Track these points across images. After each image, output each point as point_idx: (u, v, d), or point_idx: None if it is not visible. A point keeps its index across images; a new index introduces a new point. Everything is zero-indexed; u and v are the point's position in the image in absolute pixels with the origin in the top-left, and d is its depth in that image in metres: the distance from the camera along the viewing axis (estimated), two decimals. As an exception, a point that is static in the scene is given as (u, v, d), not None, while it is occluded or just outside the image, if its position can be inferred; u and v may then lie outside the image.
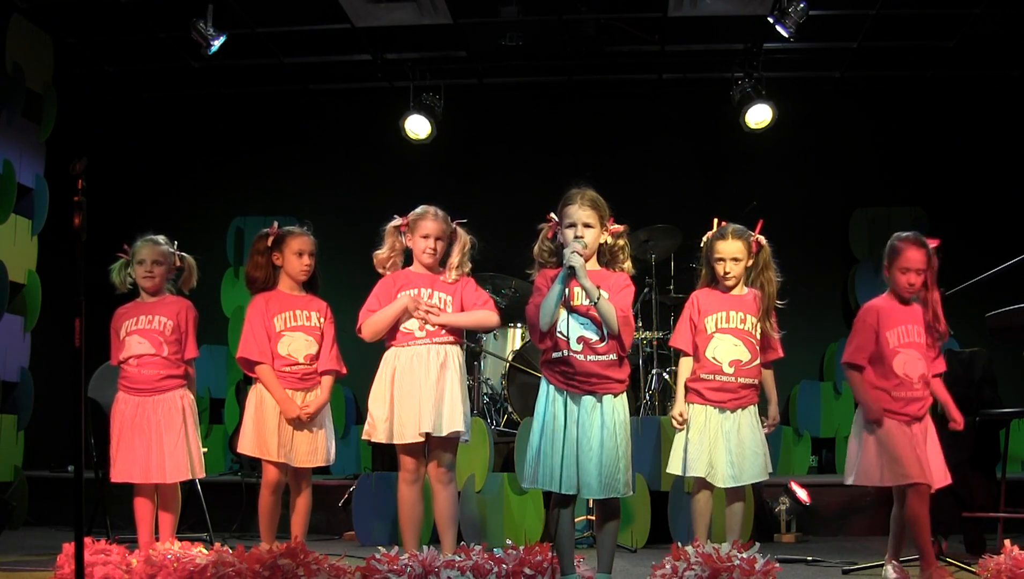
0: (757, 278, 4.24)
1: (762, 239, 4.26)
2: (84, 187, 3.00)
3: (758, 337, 4.20)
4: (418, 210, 4.25)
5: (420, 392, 4.05)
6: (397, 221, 4.26)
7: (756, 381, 4.20)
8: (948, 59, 7.55)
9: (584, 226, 3.58)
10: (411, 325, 4.15)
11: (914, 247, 4.00)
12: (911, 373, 3.97)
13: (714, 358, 4.18)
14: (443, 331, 4.15)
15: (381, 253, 4.25)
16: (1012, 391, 5.99)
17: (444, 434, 4.05)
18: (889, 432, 3.94)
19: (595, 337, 3.55)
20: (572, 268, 3.45)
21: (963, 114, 7.96)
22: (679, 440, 4.25)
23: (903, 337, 4.01)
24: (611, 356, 3.56)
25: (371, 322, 4.14)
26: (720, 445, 4.13)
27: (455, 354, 4.17)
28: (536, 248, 3.75)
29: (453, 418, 4.06)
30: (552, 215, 3.71)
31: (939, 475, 3.98)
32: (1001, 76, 7.80)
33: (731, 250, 4.21)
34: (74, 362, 2.91)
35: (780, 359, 4.28)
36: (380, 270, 4.26)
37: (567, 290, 3.51)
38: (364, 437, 4.22)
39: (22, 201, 6.60)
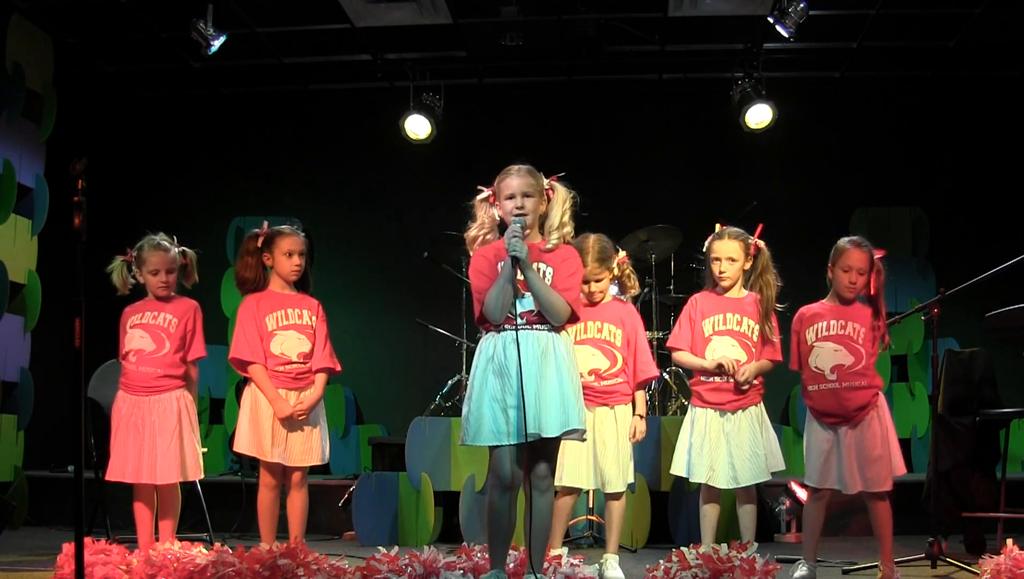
0: (756, 281, 4.29)
1: (760, 243, 4.31)
2: (84, 187, 3.01)
3: (755, 340, 4.25)
4: (502, 172, 3.76)
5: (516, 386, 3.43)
6: (485, 192, 3.76)
7: (756, 382, 4.25)
8: (948, 59, 7.54)
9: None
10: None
11: (857, 249, 4.16)
12: (822, 366, 4.10)
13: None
14: (537, 313, 3.54)
15: (470, 232, 3.76)
16: (1012, 391, 5.99)
17: (554, 436, 3.44)
18: (811, 433, 4.15)
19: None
20: (516, 258, 3.39)
21: (963, 114, 7.96)
22: (682, 442, 4.30)
23: (821, 332, 4.15)
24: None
25: (490, 303, 3.54)
26: (721, 447, 4.19)
27: (560, 342, 3.55)
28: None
29: (568, 415, 3.47)
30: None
31: (855, 482, 4.02)
32: (1001, 76, 7.79)
33: (726, 250, 4.27)
34: (74, 362, 2.91)
35: (779, 362, 4.30)
36: (470, 250, 3.77)
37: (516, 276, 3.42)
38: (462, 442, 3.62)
39: (22, 201, 6.59)
